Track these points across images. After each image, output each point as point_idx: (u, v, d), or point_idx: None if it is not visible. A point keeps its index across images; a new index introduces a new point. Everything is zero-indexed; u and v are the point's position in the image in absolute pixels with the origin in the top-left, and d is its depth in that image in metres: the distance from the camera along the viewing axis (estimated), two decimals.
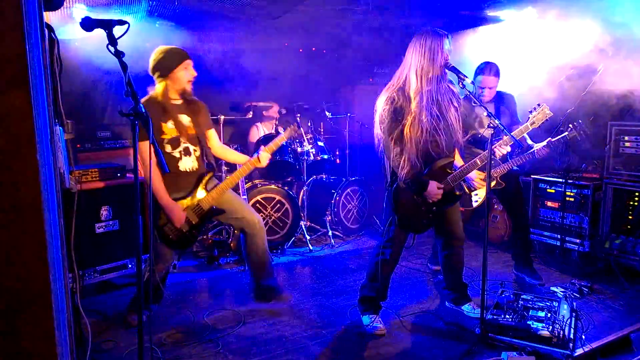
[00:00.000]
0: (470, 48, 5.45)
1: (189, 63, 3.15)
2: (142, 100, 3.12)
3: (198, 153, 3.29)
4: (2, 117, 1.18)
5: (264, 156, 3.37)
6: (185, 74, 3.14)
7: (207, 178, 3.28)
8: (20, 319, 1.28)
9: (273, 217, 4.77)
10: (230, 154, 3.58)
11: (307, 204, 5.21)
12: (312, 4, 4.48)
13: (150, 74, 3.16)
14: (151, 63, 3.14)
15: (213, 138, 3.45)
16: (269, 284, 3.60)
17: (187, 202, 3.22)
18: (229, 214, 3.37)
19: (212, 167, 3.37)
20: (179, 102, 3.23)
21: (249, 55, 5.96)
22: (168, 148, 3.16)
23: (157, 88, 3.16)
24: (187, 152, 3.23)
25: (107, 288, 3.89)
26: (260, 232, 3.43)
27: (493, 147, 2.97)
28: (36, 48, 1.28)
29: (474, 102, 2.86)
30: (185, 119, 3.23)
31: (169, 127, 3.15)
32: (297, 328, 3.27)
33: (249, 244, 3.46)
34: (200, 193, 3.25)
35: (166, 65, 3.09)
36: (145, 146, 3.04)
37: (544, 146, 3.52)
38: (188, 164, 3.24)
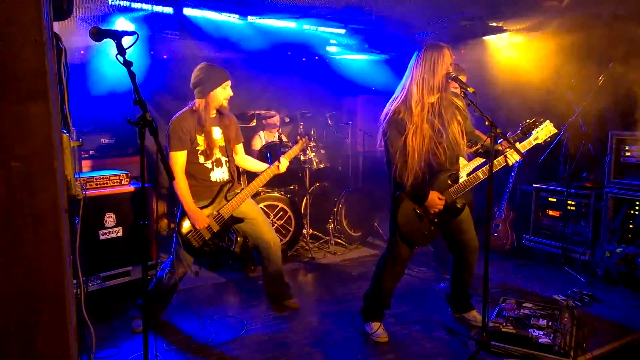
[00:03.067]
0: (474, 58, 5.51)
1: (228, 84, 3.30)
2: (180, 112, 3.26)
3: (229, 164, 3.44)
4: (23, 126, 1.22)
5: (284, 163, 3.49)
6: (223, 93, 3.28)
7: (227, 187, 3.38)
8: (38, 323, 1.31)
9: (276, 225, 4.80)
10: (254, 164, 3.69)
11: (309, 211, 5.24)
12: (313, 14, 4.54)
13: (191, 87, 3.29)
14: (193, 79, 3.27)
15: (239, 151, 3.61)
16: (280, 292, 3.71)
17: (208, 211, 3.33)
18: (248, 228, 3.50)
19: (233, 177, 3.48)
20: (214, 115, 3.36)
21: (252, 64, 6.02)
22: (201, 159, 3.30)
23: (196, 102, 3.27)
24: (218, 163, 3.38)
25: (110, 294, 3.91)
26: (274, 252, 3.56)
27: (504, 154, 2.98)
28: (50, 59, 1.32)
29: (476, 112, 2.89)
30: (217, 132, 3.38)
31: (202, 139, 3.28)
32: (299, 335, 3.29)
33: (264, 260, 3.60)
34: (221, 202, 3.35)
35: (208, 85, 3.22)
36: (175, 156, 3.19)
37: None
38: (219, 174, 3.38)
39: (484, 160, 3.06)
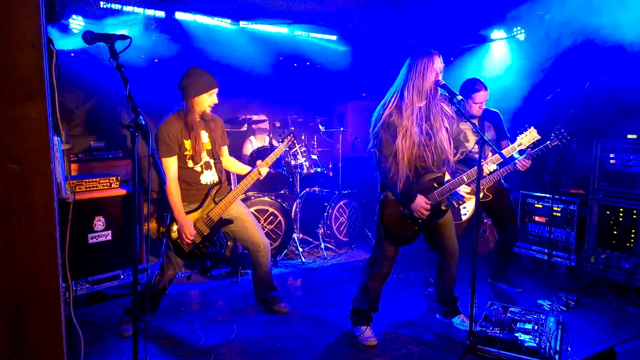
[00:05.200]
0: (463, 68, 5.59)
1: (215, 91, 3.30)
2: (166, 118, 3.26)
3: (217, 166, 3.45)
4: (21, 128, 1.25)
5: (263, 170, 3.51)
6: (208, 99, 3.28)
7: (215, 190, 3.39)
8: (31, 319, 1.33)
9: (266, 229, 4.81)
10: (235, 165, 3.71)
11: (299, 216, 5.26)
12: (305, 20, 4.58)
13: (178, 87, 3.29)
14: (182, 80, 3.26)
15: (224, 153, 3.62)
16: (269, 296, 3.71)
17: (197, 214, 3.34)
18: (237, 230, 3.51)
19: (221, 179, 3.49)
20: (198, 118, 3.35)
21: (243, 69, 6.03)
22: (190, 163, 3.31)
23: (183, 106, 3.27)
24: (207, 166, 3.39)
25: (99, 299, 3.89)
26: (264, 255, 3.57)
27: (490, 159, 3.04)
28: (46, 62, 1.34)
29: (463, 119, 2.94)
30: (203, 135, 3.38)
31: (189, 144, 3.28)
32: (289, 339, 3.30)
33: (253, 263, 3.62)
34: (210, 205, 3.36)
35: (194, 89, 3.23)
36: (167, 162, 3.20)
37: (524, 157, 3.60)
38: (209, 177, 3.40)
39: (502, 160, 3.11)
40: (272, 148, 5.08)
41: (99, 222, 3.73)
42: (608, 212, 4.24)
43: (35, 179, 1.27)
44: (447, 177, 3.20)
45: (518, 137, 3.14)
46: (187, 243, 3.28)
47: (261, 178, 3.52)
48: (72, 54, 5.04)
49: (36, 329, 1.32)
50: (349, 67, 6.85)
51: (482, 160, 3.20)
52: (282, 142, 3.69)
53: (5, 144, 1.22)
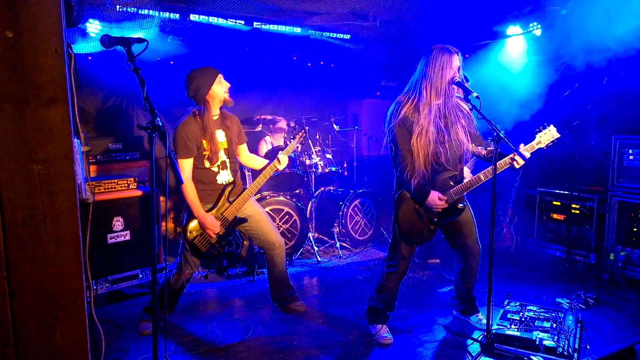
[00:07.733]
0: (478, 65, 5.53)
1: (220, 77, 3.31)
2: (184, 119, 3.28)
3: (233, 166, 3.48)
4: (44, 131, 1.29)
5: (284, 159, 3.53)
6: (221, 87, 3.30)
7: (229, 189, 3.41)
8: (58, 318, 1.37)
9: (281, 229, 4.84)
10: (257, 161, 3.73)
11: (315, 215, 5.27)
12: (320, 19, 4.59)
13: (190, 97, 3.30)
14: (188, 89, 3.28)
15: (243, 151, 3.64)
16: (285, 294, 3.73)
17: (212, 214, 3.36)
18: (252, 229, 3.53)
19: (235, 179, 3.52)
20: (217, 117, 3.38)
21: (258, 69, 6.08)
22: (207, 164, 3.34)
23: (200, 107, 3.29)
24: (224, 166, 3.43)
25: (118, 297, 3.96)
26: (279, 254, 3.59)
27: (510, 157, 2.99)
28: (67, 66, 1.38)
29: (479, 116, 2.92)
30: (220, 135, 3.40)
31: (207, 144, 3.31)
32: (305, 338, 3.32)
33: (269, 262, 3.64)
34: (224, 204, 3.39)
35: (203, 87, 3.24)
36: (183, 163, 3.23)
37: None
38: (225, 177, 3.43)
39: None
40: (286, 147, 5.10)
41: (118, 223, 3.79)
42: (628, 209, 4.17)
43: (59, 181, 1.31)
44: (465, 174, 3.18)
45: (537, 135, 3.08)
46: (204, 242, 3.32)
47: (280, 168, 3.52)
48: (90, 57, 5.13)
49: (63, 327, 1.37)
50: (363, 66, 6.85)
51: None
52: (293, 138, 3.71)
53: (30, 148, 1.26)
